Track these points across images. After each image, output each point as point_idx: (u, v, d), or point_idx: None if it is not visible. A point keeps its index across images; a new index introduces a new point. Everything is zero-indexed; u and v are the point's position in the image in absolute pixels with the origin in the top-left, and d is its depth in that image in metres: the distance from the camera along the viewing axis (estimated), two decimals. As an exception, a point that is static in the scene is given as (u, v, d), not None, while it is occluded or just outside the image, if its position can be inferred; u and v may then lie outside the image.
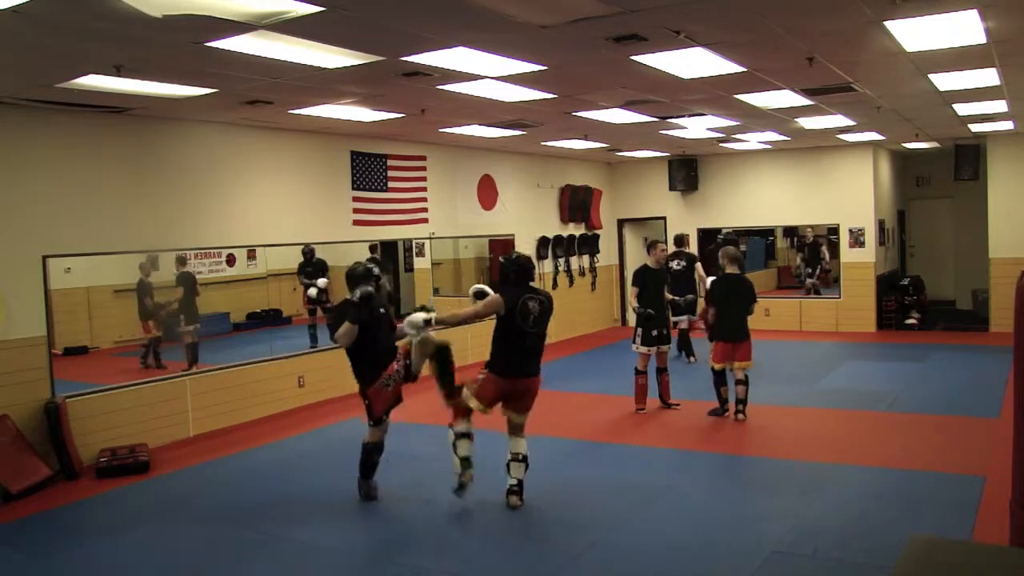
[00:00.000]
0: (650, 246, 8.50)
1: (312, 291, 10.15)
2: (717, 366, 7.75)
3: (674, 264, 10.56)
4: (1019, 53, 6.24)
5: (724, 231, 14.42)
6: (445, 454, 6.94)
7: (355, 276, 5.64)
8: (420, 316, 5.42)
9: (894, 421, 7.55)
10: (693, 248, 13.65)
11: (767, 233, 15.84)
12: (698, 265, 10.85)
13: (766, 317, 13.21)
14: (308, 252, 9.95)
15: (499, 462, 5.61)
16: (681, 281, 10.37)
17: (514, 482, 5.47)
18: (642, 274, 8.17)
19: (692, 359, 10.69)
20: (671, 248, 10.87)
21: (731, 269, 7.83)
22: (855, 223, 13.19)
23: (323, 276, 10.25)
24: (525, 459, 5.51)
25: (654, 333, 7.97)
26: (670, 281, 9.37)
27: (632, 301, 8.13)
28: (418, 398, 9.45)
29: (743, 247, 14.60)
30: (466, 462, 5.46)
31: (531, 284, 5.53)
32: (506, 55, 5.73)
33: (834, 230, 13.66)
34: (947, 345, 11.70)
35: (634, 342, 8.08)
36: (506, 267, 5.55)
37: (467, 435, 5.52)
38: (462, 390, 5.59)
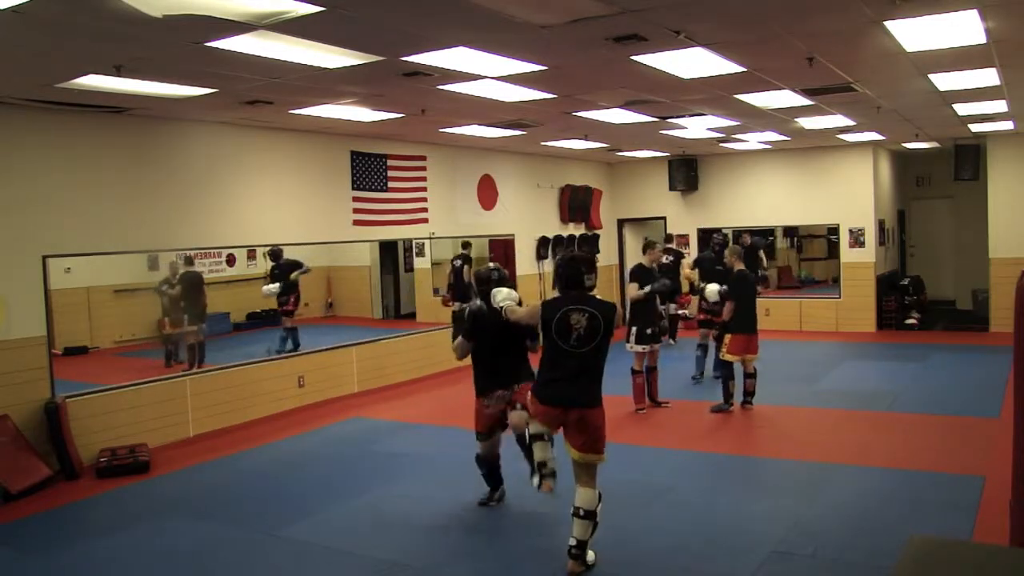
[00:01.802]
0: (647, 246, 8.54)
1: (272, 287, 10.01)
2: (733, 358, 7.94)
3: (663, 259, 11.48)
4: (1019, 53, 6.24)
5: (719, 234, 14.38)
6: (444, 454, 6.98)
7: (478, 280, 5.39)
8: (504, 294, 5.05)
9: (894, 421, 7.55)
10: (693, 249, 13.73)
11: (767, 233, 15.82)
12: (684, 261, 11.85)
13: (766, 317, 13.16)
14: (273, 254, 9.78)
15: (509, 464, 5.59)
16: (668, 274, 11.16)
17: (572, 542, 4.38)
18: (639, 272, 8.21)
19: (672, 341, 11.67)
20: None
21: (740, 266, 8.16)
22: (855, 223, 13.19)
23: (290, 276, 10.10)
24: (589, 515, 4.37)
25: (648, 331, 8.00)
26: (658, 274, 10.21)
27: (633, 293, 8.09)
28: (416, 398, 9.47)
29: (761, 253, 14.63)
30: (542, 467, 4.58)
31: (585, 290, 4.54)
32: (506, 55, 5.73)
33: (834, 230, 13.67)
34: (947, 345, 11.69)
35: (628, 341, 8.09)
36: (556, 270, 4.88)
37: (541, 436, 4.62)
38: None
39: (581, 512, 4.37)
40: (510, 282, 5.32)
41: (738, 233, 14.45)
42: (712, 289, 9.04)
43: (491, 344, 5.26)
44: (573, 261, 4.64)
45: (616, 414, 8.08)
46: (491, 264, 5.51)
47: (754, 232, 15.23)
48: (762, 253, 14.10)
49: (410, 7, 4.47)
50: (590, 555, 4.48)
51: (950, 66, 6.70)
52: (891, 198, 14.66)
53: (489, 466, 5.53)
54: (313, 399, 9.14)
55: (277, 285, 9.90)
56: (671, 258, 11.80)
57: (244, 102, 7.08)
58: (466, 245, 11.84)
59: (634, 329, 8.04)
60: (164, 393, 7.71)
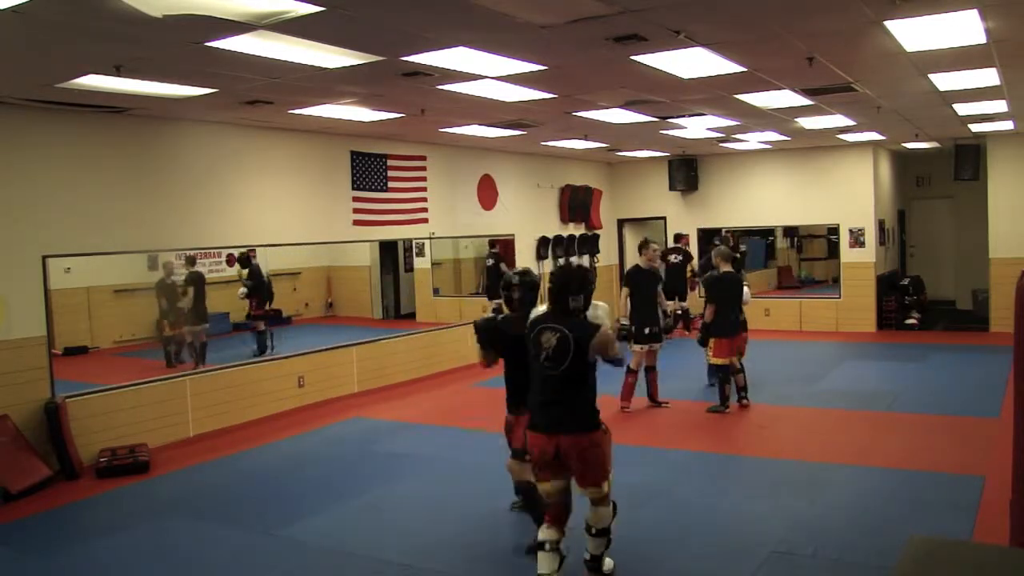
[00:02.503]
0: (642, 246, 8.51)
1: (241, 291, 9.86)
2: (722, 361, 7.94)
3: (672, 257, 12.13)
4: (1019, 53, 6.24)
5: (723, 232, 14.44)
6: (444, 454, 6.98)
7: (502, 286, 4.90)
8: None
9: (894, 421, 7.56)
10: (693, 247, 13.79)
11: (767, 233, 15.84)
12: (693, 260, 12.27)
13: (766, 317, 13.22)
14: (244, 259, 9.49)
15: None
16: (677, 273, 11.89)
17: (587, 556, 4.28)
18: (634, 275, 8.17)
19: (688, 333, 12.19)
20: (670, 243, 12.74)
21: (725, 268, 8.09)
22: (855, 223, 13.19)
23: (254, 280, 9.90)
24: (601, 533, 4.23)
25: (646, 331, 7.99)
26: (666, 274, 11.02)
27: (622, 303, 8.11)
28: (416, 398, 9.47)
29: (743, 247, 14.68)
30: None
31: (567, 311, 4.11)
32: (506, 55, 5.73)
33: (834, 230, 13.67)
34: (947, 345, 11.69)
35: (626, 340, 8.07)
36: (551, 279, 4.29)
37: (543, 546, 4.10)
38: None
39: (593, 531, 4.24)
40: (534, 283, 4.86)
41: (738, 234, 14.51)
42: (746, 293, 8.67)
43: (510, 356, 4.75)
44: (561, 276, 4.22)
45: (609, 413, 8.12)
46: (520, 269, 5.12)
47: (753, 232, 15.29)
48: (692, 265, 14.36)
49: (410, 7, 4.47)
50: (608, 562, 4.38)
51: (950, 66, 6.69)
52: (891, 198, 14.66)
53: (527, 493, 4.82)
54: (313, 399, 9.14)
55: (244, 290, 9.80)
56: (679, 258, 12.18)
57: (244, 102, 7.08)
58: (493, 244, 12.20)
59: (632, 329, 8.03)
60: (164, 393, 7.70)
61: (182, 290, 8.97)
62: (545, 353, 4.06)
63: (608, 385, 8.41)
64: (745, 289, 8.62)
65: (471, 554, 4.84)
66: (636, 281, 8.12)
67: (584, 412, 4.11)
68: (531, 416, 4.24)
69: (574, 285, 4.14)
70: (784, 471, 6.24)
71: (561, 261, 13.19)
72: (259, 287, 9.74)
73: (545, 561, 4.06)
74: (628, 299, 8.06)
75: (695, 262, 12.31)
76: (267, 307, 9.90)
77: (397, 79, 6.33)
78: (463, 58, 5.71)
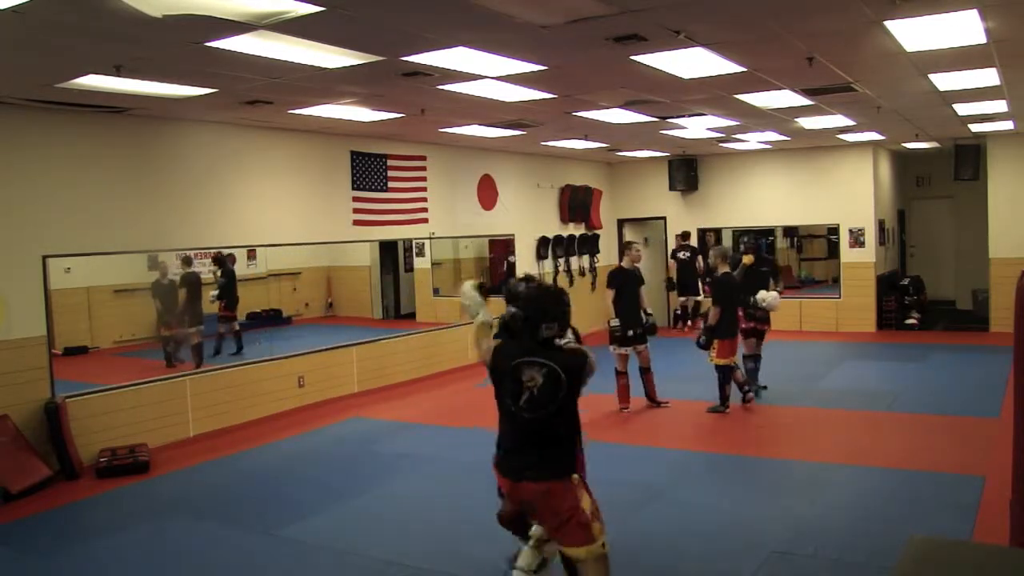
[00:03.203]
0: (625, 247, 8.49)
1: (213, 293, 9.74)
2: (725, 362, 7.91)
3: (681, 254, 13.06)
4: (1019, 53, 6.24)
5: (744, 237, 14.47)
6: (444, 454, 6.98)
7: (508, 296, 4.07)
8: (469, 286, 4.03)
9: (894, 421, 7.56)
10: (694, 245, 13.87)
11: (767, 233, 15.82)
12: (699, 257, 12.88)
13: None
14: (219, 260, 9.34)
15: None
16: (687, 269, 12.70)
17: None
18: (618, 275, 8.13)
19: (686, 328, 12.63)
20: (675, 241, 13.62)
21: (724, 268, 8.05)
22: (855, 223, 13.19)
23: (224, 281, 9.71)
24: None
25: (629, 333, 7.96)
26: (677, 270, 12.48)
27: (608, 304, 8.07)
28: (416, 398, 9.47)
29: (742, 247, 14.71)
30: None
31: (547, 337, 3.50)
32: (506, 55, 5.73)
33: (834, 230, 13.67)
34: (947, 345, 11.69)
35: (610, 343, 8.06)
36: (523, 303, 3.65)
37: (527, 540, 3.72)
38: None
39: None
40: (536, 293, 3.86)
41: (739, 234, 14.50)
42: (772, 296, 8.49)
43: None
44: (536, 300, 3.58)
45: (606, 413, 8.12)
46: (525, 275, 4.52)
47: (753, 232, 15.27)
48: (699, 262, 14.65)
49: (410, 7, 4.47)
50: None
51: (950, 66, 6.70)
52: (891, 198, 14.66)
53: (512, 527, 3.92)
54: (313, 399, 9.14)
55: (215, 292, 9.69)
56: (688, 254, 12.99)
57: (244, 102, 7.08)
58: (509, 244, 12.77)
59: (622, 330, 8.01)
60: (164, 393, 7.70)
61: (177, 291, 8.96)
62: (528, 394, 3.40)
63: (605, 386, 8.43)
64: (774, 294, 8.50)
65: (471, 554, 4.84)
66: (620, 282, 8.08)
67: (561, 455, 3.49)
68: (498, 454, 3.64)
69: (551, 311, 3.52)
70: (784, 471, 6.25)
71: (548, 259, 13.29)
72: (228, 289, 9.66)
73: (525, 557, 3.65)
74: (614, 302, 8.00)
75: (700, 260, 12.57)
76: (232, 310, 9.79)
77: (397, 79, 6.33)
78: (463, 58, 5.71)
